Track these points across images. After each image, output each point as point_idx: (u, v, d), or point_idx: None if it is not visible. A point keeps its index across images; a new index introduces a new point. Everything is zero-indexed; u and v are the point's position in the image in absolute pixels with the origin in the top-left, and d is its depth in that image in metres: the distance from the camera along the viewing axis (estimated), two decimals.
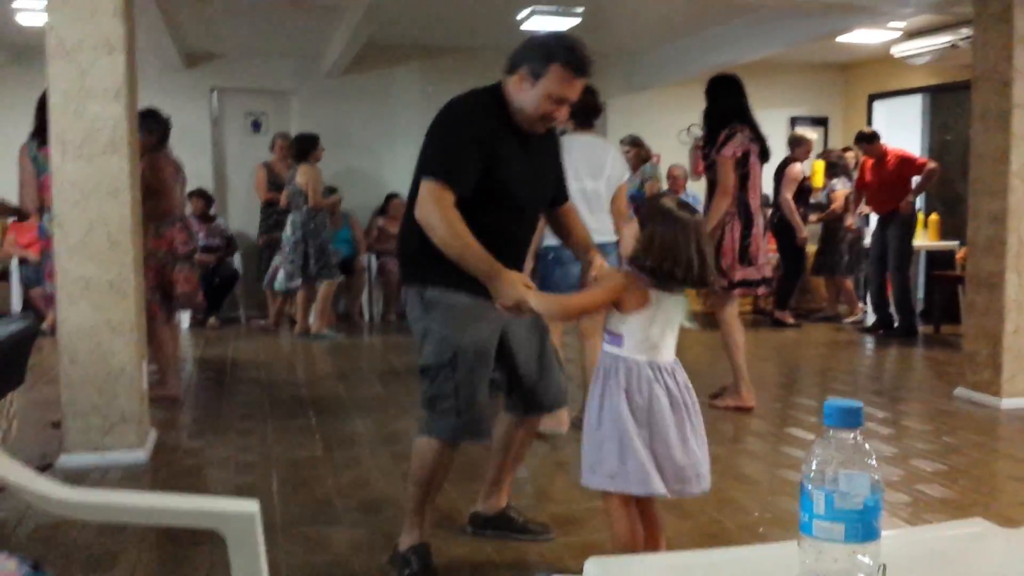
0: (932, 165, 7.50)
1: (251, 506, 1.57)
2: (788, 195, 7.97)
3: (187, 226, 5.34)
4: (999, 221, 5.10)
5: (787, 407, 5.18)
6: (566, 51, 2.56)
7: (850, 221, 8.16)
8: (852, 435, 0.89)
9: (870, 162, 7.73)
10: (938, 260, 8.21)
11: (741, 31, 7.45)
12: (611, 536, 2.44)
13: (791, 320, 8.14)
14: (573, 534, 3.15)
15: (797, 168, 8.03)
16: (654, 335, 2.30)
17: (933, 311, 7.80)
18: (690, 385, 2.38)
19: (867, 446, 0.89)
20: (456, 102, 2.69)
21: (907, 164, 7.53)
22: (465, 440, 2.77)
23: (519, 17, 6.69)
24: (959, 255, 7.91)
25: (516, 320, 2.73)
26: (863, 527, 0.87)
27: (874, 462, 0.89)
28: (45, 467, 3.76)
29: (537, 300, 2.44)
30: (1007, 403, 5.05)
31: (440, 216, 2.51)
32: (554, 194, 2.92)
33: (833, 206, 8.30)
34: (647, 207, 2.38)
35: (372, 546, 3.05)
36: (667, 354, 2.33)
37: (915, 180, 7.48)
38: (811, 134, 8.22)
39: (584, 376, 4.68)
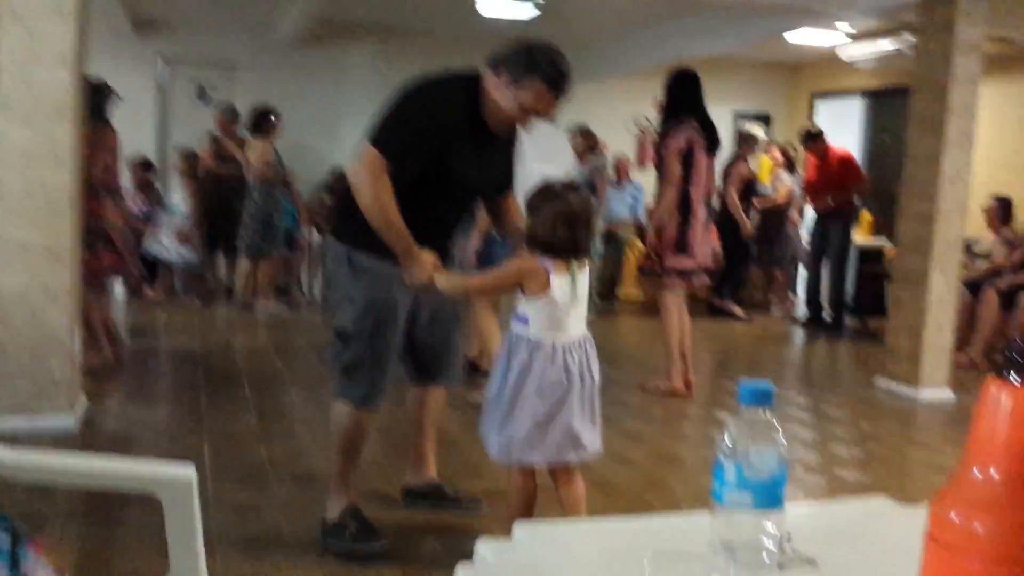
0: (865, 184, 7.81)
1: (188, 470, 1.59)
2: (733, 191, 8.11)
3: (121, 203, 5.24)
4: (928, 222, 5.29)
5: (716, 392, 5.34)
6: (549, 67, 2.57)
7: (793, 216, 8.37)
8: (762, 412, 0.95)
9: (813, 160, 7.92)
10: (868, 257, 8.45)
11: (693, 27, 7.56)
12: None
13: (739, 312, 8.21)
14: (502, 506, 3.20)
15: (743, 166, 8.17)
16: (557, 314, 2.42)
17: (861, 306, 8.03)
18: (593, 360, 2.51)
19: (775, 423, 0.96)
20: (432, 84, 2.70)
21: (848, 166, 7.75)
22: (377, 405, 2.84)
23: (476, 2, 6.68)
24: (889, 253, 8.16)
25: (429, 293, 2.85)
26: (769, 496, 0.94)
27: (782, 438, 0.95)
28: None
29: (442, 280, 2.59)
30: (924, 393, 5.28)
31: (371, 184, 2.57)
32: (500, 184, 2.96)
33: (777, 197, 8.49)
34: (538, 190, 2.51)
35: (305, 516, 3.07)
36: (573, 331, 2.47)
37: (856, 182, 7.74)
38: (758, 130, 8.38)
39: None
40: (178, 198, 7.73)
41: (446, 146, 2.64)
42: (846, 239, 7.79)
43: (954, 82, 5.17)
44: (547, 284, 2.40)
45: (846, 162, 7.80)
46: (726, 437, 0.95)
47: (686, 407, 4.94)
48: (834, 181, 7.68)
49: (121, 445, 3.81)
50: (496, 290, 2.70)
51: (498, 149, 2.84)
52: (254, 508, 3.15)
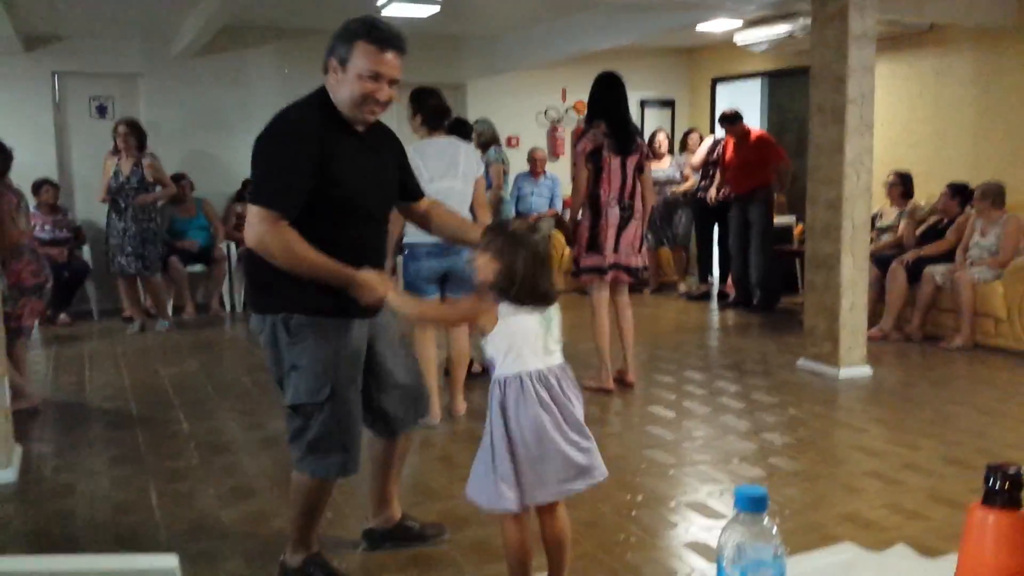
0: (788, 161, 8.00)
1: (170, 561, 1.60)
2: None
3: (37, 256, 5.00)
4: (835, 207, 5.53)
5: (649, 385, 5.46)
6: (367, 27, 2.56)
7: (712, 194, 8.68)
8: (758, 517, 1.03)
9: (731, 142, 8.09)
10: (778, 236, 8.73)
11: (598, 20, 7.65)
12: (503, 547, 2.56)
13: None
14: (460, 530, 3.25)
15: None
16: (516, 346, 2.35)
17: (772, 283, 8.28)
18: (569, 385, 2.44)
19: (769, 523, 1.04)
20: (283, 118, 2.62)
21: (768, 146, 7.94)
22: (349, 475, 2.76)
23: (379, 3, 6.63)
24: (797, 230, 8.46)
25: (380, 332, 2.79)
26: None
27: (777, 537, 1.03)
28: None
29: (396, 299, 2.49)
30: (844, 372, 5.55)
31: (273, 241, 2.46)
32: (403, 191, 2.89)
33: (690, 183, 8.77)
34: (500, 233, 2.41)
35: (264, 558, 3.07)
36: (538, 362, 2.38)
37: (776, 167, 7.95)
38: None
39: (451, 366, 4.80)
40: None
41: (325, 163, 2.52)
42: (769, 220, 7.98)
43: (851, 72, 5.40)
44: (495, 316, 2.35)
45: (764, 142, 7.98)
46: (727, 542, 1.03)
47: (616, 404, 5.08)
48: (753, 162, 7.85)
49: (65, 496, 3.72)
50: (448, 324, 2.63)
51: (380, 151, 2.74)
52: (211, 555, 3.12)
